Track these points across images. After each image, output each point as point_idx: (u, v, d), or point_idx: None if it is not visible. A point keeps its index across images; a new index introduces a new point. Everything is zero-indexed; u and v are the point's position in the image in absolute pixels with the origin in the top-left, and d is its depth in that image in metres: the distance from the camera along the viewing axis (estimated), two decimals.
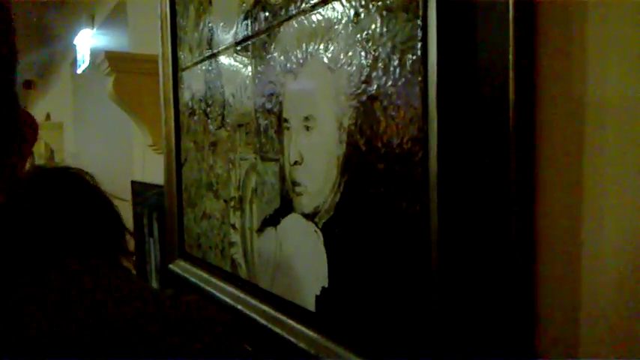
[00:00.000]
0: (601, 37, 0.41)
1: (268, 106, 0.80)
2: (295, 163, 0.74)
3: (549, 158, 0.45)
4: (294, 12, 0.72)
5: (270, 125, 0.80)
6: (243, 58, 0.88)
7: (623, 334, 0.40)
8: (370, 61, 0.58)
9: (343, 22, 0.62)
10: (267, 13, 0.79)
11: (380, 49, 0.56)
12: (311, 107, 0.69)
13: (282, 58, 0.76)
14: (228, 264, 0.98)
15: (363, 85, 0.59)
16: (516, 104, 0.44)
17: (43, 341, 0.32)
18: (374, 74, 0.57)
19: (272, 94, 0.79)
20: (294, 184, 0.74)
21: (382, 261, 0.58)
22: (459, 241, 0.49)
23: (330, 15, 0.64)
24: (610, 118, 0.41)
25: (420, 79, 0.51)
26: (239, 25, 0.88)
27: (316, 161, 0.69)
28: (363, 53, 0.59)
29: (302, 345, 0.70)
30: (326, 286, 0.68)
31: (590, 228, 0.42)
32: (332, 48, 0.64)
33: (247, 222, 0.90)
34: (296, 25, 0.72)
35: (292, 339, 0.72)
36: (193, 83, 1.11)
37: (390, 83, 0.55)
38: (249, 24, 0.85)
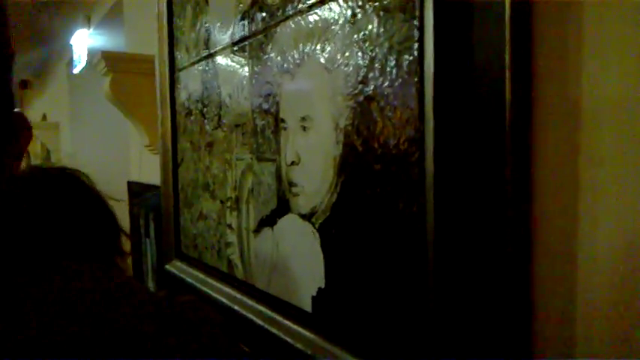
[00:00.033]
0: (597, 38, 0.41)
1: (265, 106, 0.80)
2: (292, 163, 0.74)
3: (545, 159, 0.45)
4: (291, 12, 0.72)
5: (266, 125, 0.80)
6: (240, 59, 0.88)
7: (619, 333, 0.41)
8: (367, 62, 0.58)
9: (340, 22, 0.62)
10: (264, 14, 0.79)
11: (377, 50, 0.57)
12: (308, 108, 0.69)
13: (279, 58, 0.76)
14: (224, 264, 0.98)
15: (360, 86, 0.59)
16: (512, 105, 0.44)
17: (42, 341, 0.32)
18: (371, 75, 0.57)
19: (269, 95, 0.79)
20: (291, 184, 0.74)
21: (379, 261, 0.58)
22: (456, 242, 0.49)
23: (327, 15, 0.64)
24: (606, 119, 0.41)
25: (416, 79, 0.51)
26: (236, 26, 0.88)
27: (313, 162, 0.69)
28: (359, 54, 0.59)
29: (299, 345, 0.70)
30: (322, 286, 0.68)
31: (586, 228, 0.42)
32: (329, 48, 0.64)
33: (244, 222, 0.90)
34: (293, 26, 0.72)
35: (289, 339, 0.72)
36: (190, 83, 1.10)
37: (386, 84, 0.55)
38: (246, 24, 0.85)
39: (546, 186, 0.45)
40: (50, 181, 0.59)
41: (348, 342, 0.63)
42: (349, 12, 0.60)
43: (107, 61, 1.43)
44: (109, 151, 2.37)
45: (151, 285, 1.60)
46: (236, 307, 0.88)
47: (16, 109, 0.39)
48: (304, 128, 0.70)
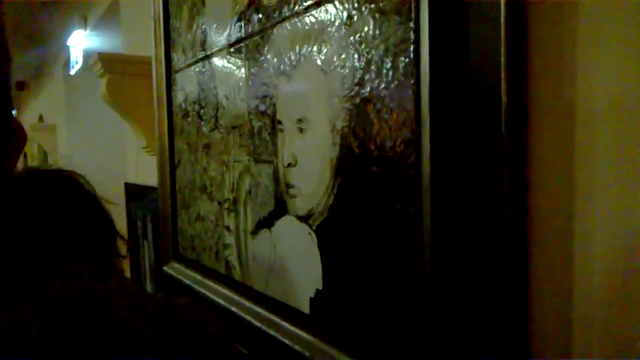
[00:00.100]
0: (592, 38, 0.41)
1: (262, 108, 0.80)
2: (289, 165, 0.74)
3: (541, 159, 0.45)
4: (287, 14, 0.72)
5: (263, 127, 0.80)
6: (237, 60, 0.88)
7: (616, 334, 0.41)
8: (363, 64, 0.58)
9: (336, 24, 0.62)
10: (260, 15, 0.79)
11: (373, 52, 0.57)
12: (304, 109, 0.69)
13: (275, 60, 0.76)
14: (222, 266, 0.98)
15: (356, 88, 0.59)
16: (508, 106, 0.44)
17: (40, 341, 0.32)
18: (367, 77, 0.58)
19: (265, 96, 0.79)
20: (288, 186, 0.74)
21: (376, 263, 0.58)
22: (452, 243, 0.49)
23: (323, 17, 0.64)
24: (601, 119, 0.41)
25: (412, 81, 0.51)
26: (232, 27, 0.88)
27: (310, 163, 0.69)
28: (356, 56, 0.59)
29: (297, 347, 0.70)
30: (320, 288, 0.68)
31: (583, 229, 0.42)
32: (325, 50, 0.64)
33: (241, 224, 0.90)
34: (289, 28, 0.72)
35: (287, 341, 0.72)
36: (187, 85, 1.10)
37: (382, 86, 0.55)
38: (243, 26, 0.85)
39: (542, 187, 0.45)
40: (47, 183, 0.59)
41: (346, 343, 0.64)
42: (345, 14, 0.60)
43: (103, 62, 1.43)
44: (105, 153, 2.36)
45: (148, 287, 1.60)
46: (234, 309, 0.88)
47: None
48: (301, 130, 0.70)
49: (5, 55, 0.36)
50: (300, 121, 0.70)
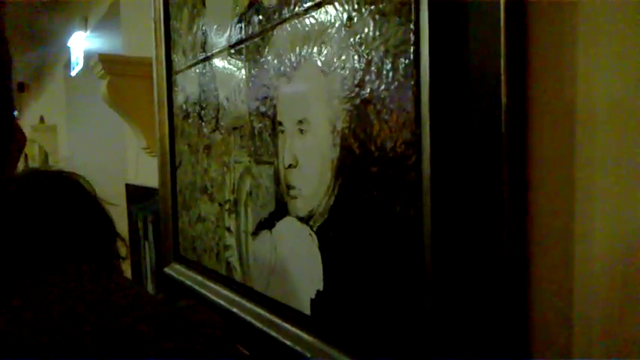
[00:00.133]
0: (592, 39, 0.41)
1: (262, 109, 0.80)
2: (290, 166, 0.74)
3: (541, 160, 0.45)
4: (287, 15, 0.72)
5: (264, 128, 0.80)
6: (237, 62, 0.88)
7: (617, 335, 0.41)
8: (363, 65, 0.58)
9: (336, 25, 0.62)
10: (260, 17, 0.79)
11: (373, 53, 0.57)
12: (305, 110, 0.70)
13: (275, 61, 0.76)
14: (223, 267, 0.98)
15: (357, 89, 0.59)
16: (508, 106, 0.44)
17: (41, 342, 0.32)
18: (367, 78, 0.58)
19: (266, 98, 0.79)
20: (289, 187, 0.74)
21: (376, 264, 0.58)
22: (453, 244, 0.49)
23: (323, 19, 0.65)
24: (601, 120, 0.41)
25: (412, 82, 0.51)
26: (233, 28, 0.88)
27: (310, 164, 0.69)
28: (356, 57, 0.59)
29: (298, 348, 0.70)
30: (321, 289, 0.68)
31: (583, 230, 0.42)
32: (325, 52, 0.64)
33: (242, 225, 0.90)
34: (289, 29, 0.72)
35: (288, 342, 0.72)
36: (187, 86, 1.11)
37: (382, 87, 0.56)
38: (243, 27, 0.85)
39: (542, 187, 0.45)
40: (47, 184, 0.59)
41: (346, 345, 0.64)
42: (345, 15, 0.60)
43: (104, 63, 1.43)
44: (106, 154, 2.37)
45: (149, 288, 1.60)
46: (235, 310, 0.88)
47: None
48: (301, 131, 0.70)
49: (6, 57, 0.36)
50: (300, 122, 0.70)
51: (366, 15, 0.57)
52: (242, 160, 0.88)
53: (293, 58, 0.71)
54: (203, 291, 1.02)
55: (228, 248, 0.95)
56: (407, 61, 0.52)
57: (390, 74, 0.54)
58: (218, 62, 0.95)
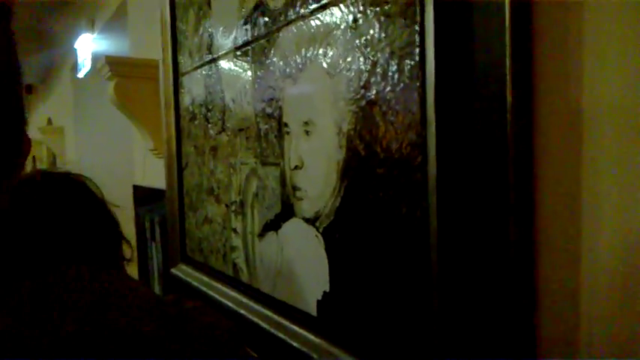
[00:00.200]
0: (598, 39, 0.41)
1: (268, 110, 0.80)
2: (295, 167, 0.74)
3: (547, 161, 0.45)
4: (293, 17, 0.72)
5: (270, 130, 0.80)
6: (243, 63, 0.88)
7: (623, 334, 0.41)
8: (369, 67, 0.58)
9: (342, 27, 0.62)
10: (266, 18, 0.80)
11: (378, 55, 0.57)
12: (310, 112, 0.70)
13: (281, 63, 0.76)
14: (229, 268, 0.98)
15: (362, 91, 0.59)
16: (514, 108, 0.44)
17: (42, 342, 0.32)
18: (372, 79, 0.58)
19: (272, 99, 0.79)
20: (295, 188, 0.74)
21: (382, 265, 0.58)
22: (459, 245, 0.49)
23: (328, 20, 0.65)
24: (607, 120, 0.41)
25: (418, 84, 0.51)
26: (238, 30, 0.89)
27: (316, 166, 0.69)
28: (361, 59, 0.59)
29: (305, 349, 0.70)
30: (327, 290, 0.68)
31: (589, 230, 0.42)
32: (331, 53, 0.65)
33: (248, 226, 0.90)
34: (295, 31, 0.72)
35: (295, 343, 0.72)
36: (193, 88, 1.11)
37: (388, 88, 0.56)
38: (249, 29, 0.85)
39: (549, 188, 0.45)
40: (54, 186, 0.59)
41: (353, 345, 0.64)
42: (351, 17, 0.61)
43: (111, 65, 1.44)
44: (113, 155, 2.38)
45: (157, 289, 1.61)
46: (242, 311, 0.88)
47: None
48: (307, 133, 0.70)
49: (17, 64, 0.36)
50: (306, 123, 0.71)
51: (371, 17, 0.57)
52: (248, 161, 0.88)
53: (299, 60, 0.71)
54: (210, 292, 1.02)
55: (235, 249, 0.95)
56: (412, 62, 0.52)
57: (396, 76, 0.54)
58: (224, 64, 0.96)
